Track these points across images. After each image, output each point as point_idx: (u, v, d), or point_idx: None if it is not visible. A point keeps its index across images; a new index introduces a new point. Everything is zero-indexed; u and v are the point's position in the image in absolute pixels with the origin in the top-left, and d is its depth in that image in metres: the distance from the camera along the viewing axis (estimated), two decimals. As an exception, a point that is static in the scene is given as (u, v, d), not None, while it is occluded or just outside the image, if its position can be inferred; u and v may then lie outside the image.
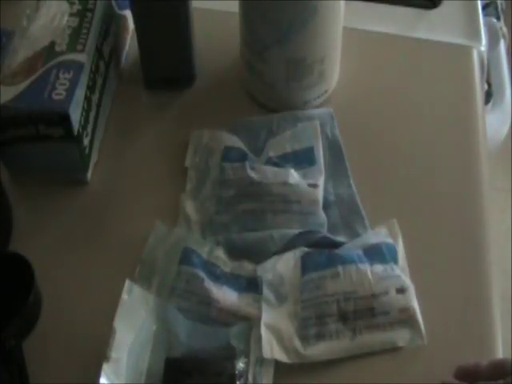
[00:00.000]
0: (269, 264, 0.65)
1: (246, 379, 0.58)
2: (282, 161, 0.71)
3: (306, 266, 0.64)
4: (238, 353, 0.59)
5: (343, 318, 0.61)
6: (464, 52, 0.83)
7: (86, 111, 0.70)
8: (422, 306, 0.62)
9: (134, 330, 0.59)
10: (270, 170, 0.70)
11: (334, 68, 0.77)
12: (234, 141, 0.73)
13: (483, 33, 0.85)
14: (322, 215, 0.68)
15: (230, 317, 0.62)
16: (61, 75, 0.67)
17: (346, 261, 0.63)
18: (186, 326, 0.61)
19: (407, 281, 0.63)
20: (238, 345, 0.60)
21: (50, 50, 0.69)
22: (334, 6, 0.70)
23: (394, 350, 0.61)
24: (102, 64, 0.74)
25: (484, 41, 0.84)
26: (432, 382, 0.59)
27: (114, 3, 0.78)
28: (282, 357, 0.60)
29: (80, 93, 0.68)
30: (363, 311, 0.61)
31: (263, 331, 0.60)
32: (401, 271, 0.64)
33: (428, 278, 0.65)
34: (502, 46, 1.29)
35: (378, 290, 0.62)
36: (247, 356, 0.59)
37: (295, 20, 0.68)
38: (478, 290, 0.65)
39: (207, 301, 0.62)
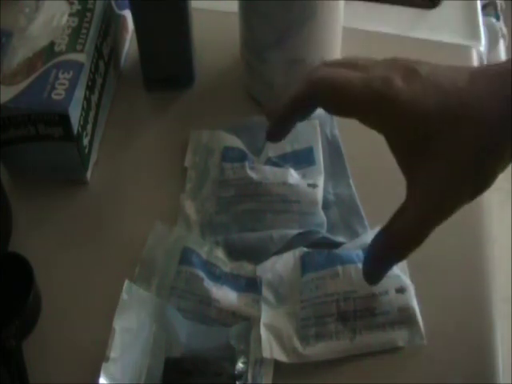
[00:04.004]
0: (268, 264, 0.64)
1: (246, 379, 0.58)
2: (282, 161, 0.71)
3: (305, 266, 0.64)
4: (237, 353, 0.59)
5: (343, 317, 0.61)
6: (463, 52, 0.83)
7: (86, 111, 0.70)
8: (422, 305, 0.62)
9: (133, 330, 0.59)
10: (270, 170, 0.70)
11: (334, 68, 0.77)
12: (234, 141, 0.73)
13: (483, 33, 0.85)
14: (322, 215, 0.68)
15: (229, 317, 0.62)
16: (60, 75, 0.67)
17: (345, 261, 0.63)
18: (185, 326, 0.61)
19: (407, 280, 0.63)
20: (238, 345, 0.60)
21: (49, 50, 0.69)
22: (333, 7, 0.70)
23: (393, 349, 0.61)
24: (101, 64, 0.74)
25: (483, 41, 0.84)
26: (432, 381, 0.59)
27: (113, 3, 0.78)
28: (281, 357, 0.60)
29: (79, 93, 0.68)
30: (363, 311, 0.61)
31: (263, 331, 0.60)
32: (400, 271, 0.64)
33: (428, 278, 0.65)
34: (502, 46, 1.29)
35: (377, 289, 0.61)
36: (247, 356, 0.59)
37: (295, 20, 0.68)
38: (478, 290, 0.65)
39: (207, 301, 0.62)
